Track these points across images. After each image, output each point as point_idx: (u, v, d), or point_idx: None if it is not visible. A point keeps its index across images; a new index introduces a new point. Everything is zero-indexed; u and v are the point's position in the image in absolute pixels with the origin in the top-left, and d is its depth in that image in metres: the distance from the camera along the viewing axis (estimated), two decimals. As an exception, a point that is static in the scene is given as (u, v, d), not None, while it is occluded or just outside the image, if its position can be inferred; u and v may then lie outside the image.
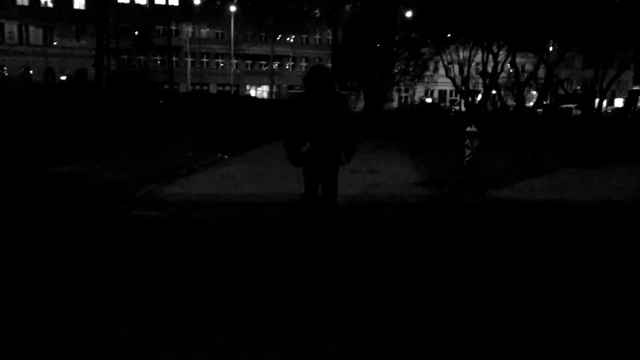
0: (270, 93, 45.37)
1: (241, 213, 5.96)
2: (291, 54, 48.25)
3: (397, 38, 35.95)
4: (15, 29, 43.32)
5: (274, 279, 3.70)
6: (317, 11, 47.94)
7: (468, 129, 8.21)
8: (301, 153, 4.34)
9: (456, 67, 27.88)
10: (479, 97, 28.62)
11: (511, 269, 4.00)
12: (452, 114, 32.41)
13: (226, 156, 10.41)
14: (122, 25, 39.62)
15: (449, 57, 27.73)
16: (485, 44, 22.59)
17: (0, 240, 4.59)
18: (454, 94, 46.82)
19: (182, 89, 41.12)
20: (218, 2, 46.06)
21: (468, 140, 8.12)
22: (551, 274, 3.90)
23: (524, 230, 5.28)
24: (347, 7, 43.04)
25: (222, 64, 47.28)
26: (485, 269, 4.00)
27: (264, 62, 47.39)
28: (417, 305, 3.26)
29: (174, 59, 41.14)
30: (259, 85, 47.64)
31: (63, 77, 41.28)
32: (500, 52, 22.92)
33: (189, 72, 42.81)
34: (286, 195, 6.60)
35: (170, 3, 39.45)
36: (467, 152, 8.17)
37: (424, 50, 31.96)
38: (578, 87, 45.90)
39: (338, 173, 4.53)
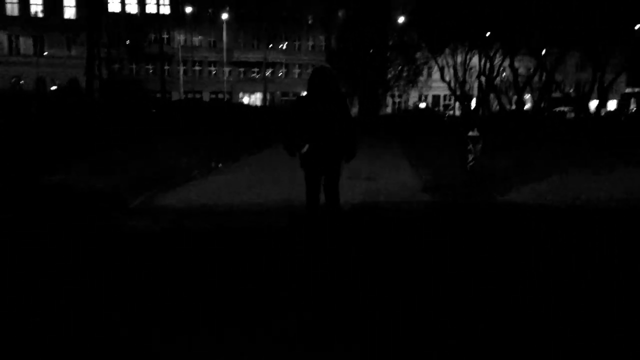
0: (263, 100, 45.19)
1: (236, 222, 5.71)
2: (284, 60, 48.15)
3: (390, 43, 36.02)
4: (5, 39, 42.96)
5: (275, 300, 3.44)
6: (309, 17, 47.93)
7: (470, 133, 8.00)
8: (299, 147, 4.34)
9: (451, 70, 27.82)
10: (473, 101, 28.59)
11: (523, 279, 3.77)
12: (446, 118, 32.40)
13: (220, 164, 10.17)
14: (114, 34, 39.37)
15: (444, 60, 27.66)
16: (481, 45, 22.51)
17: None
18: (447, 98, 46.91)
19: (175, 97, 40.91)
20: (210, 10, 45.95)
21: (471, 145, 7.91)
22: (560, 280, 3.67)
23: (533, 236, 5.05)
24: (340, 12, 43.11)
25: (214, 72, 47.10)
26: (495, 277, 3.76)
27: (257, 69, 47.25)
28: (423, 315, 3.03)
29: (167, 67, 40.92)
30: (252, 92, 47.47)
31: (54, 87, 40.92)
32: (497, 55, 22.84)
33: (181, 80, 42.59)
34: (284, 202, 6.38)
35: (162, 12, 39.23)
36: (470, 157, 7.96)
37: (418, 55, 31.99)
38: (571, 90, 46.06)
39: (340, 174, 4.55)
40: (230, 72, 46.53)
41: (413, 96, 45.70)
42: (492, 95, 26.10)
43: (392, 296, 3.39)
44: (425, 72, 37.98)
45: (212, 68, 47.13)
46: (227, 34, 43.98)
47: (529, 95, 28.47)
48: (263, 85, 43.56)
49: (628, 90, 39.13)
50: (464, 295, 3.40)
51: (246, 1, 45.47)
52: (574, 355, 2.64)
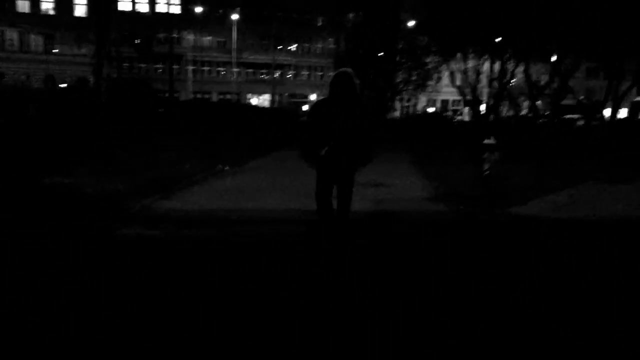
0: (271, 102, 45.03)
1: (242, 230, 5.47)
2: (293, 62, 47.97)
3: (400, 46, 35.72)
4: (15, 36, 43.08)
5: (282, 320, 3.18)
6: (319, 20, 47.75)
7: (486, 141, 7.71)
8: (317, 153, 4.32)
9: (462, 75, 27.46)
10: (482, 106, 28.21)
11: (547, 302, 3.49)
12: (454, 123, 32.04)
13: (227, 167, 9.95)
14: (123, 33, 39.34)
15: (455, 65, 27.30)
16: (494, 50, 22.13)
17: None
18: (456, 103, 46.48)
19: (183, 97, 40.81)
20: (220, 11, 45.89)
21: (487, 154, 7.61)
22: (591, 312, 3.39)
23: (554, 253, 4.77)
24: (350, 15, 42.90)
25: (223, 73, 47.01)
26: (518, 300, 3.49)
27: (265, 71, 47.11)
28: (437, 340, 2.76)
29: (176, 67, 40.84)
30: (261, 93, 47.33)
31: (63, 85, 41.01)
32: (511, 61, 22.46)
33: (190, 80, 42.50)
34: (293, 210, 6.14)
35: (172, 11, 39.26)
36: (486, 165, 7.66)
37: (429, 59, 31.64)
38: (582, 97, 45.51)
39: (354, 178, 4.50)
40: (239, 73, 46.44)
41: (422, 101, 45.38)
42: (502, 102, 25.76)
43: (409, 328, 3.13)
44: (434, 76, 37.63)
45: (221, 69, 47.05)
46: (237, 35, 43.88)
47: (539, 101, 28.05)
48: (271, 86, 43.39)
49: (638, 98, 38.63)
50: (484, 326, 3.13)
51: (256, 2, 45.42)
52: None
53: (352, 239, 4.74)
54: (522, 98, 26.92)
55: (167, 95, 32.54)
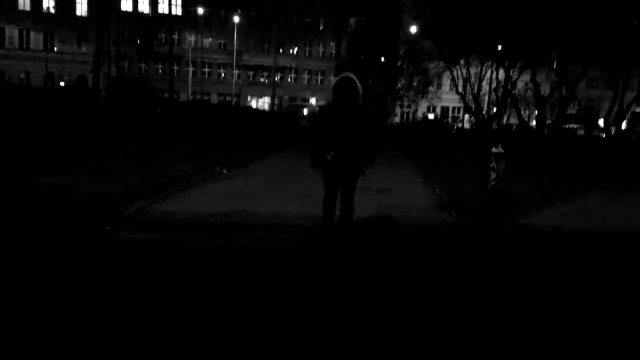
0: (271, 104, 44.85)
1: (238, 235, 5.25)
2: (294, 65, 47.87)
3: (401, 52, 35.64)
4: (15, 33, 42.88)
5: (281, 330, 2.96)
6: (321, 23, 47.68)
7: (494, 149, 7.50)
8: (324, 159, 4.46)
9: (465, 82, 27.33)
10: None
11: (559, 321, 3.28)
12: (454, 131, 31.89)
13: (225, 170, 9.72)
14: (124, 32, 39.18)
15: (458, 72, 27.18)
16: (498, 58, 21.99)
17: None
18: (457, 110, 46.40)
19: (183, 97, 40.62)
20: (222, 13, 45.80)
21: (494, 163, 7.40)
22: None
23: (564, 267, 4.56)
24: (352, 20, 42.84)
25: (223, 74, 46.88)
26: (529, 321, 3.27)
27: (266, 73, 46.99)
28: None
29: (176, 67, 40.68)
30: (261, 96, 47.18)
31: (62, 83, 40.79)
32: (515, 69, 22.32)
33: (190, 81, 42.29)
34: (292, 215, 5.91)
35: (173, 12, 39.05)
36: (492, 175, 7.44)
37: (431, 65, 31.55)
38: (586, 106, 45.51)
39: (357, 182, 4.65)
40: (239, 75, 46.29)
41: (422, 107, 45.28)
42: (505, 109, 25.61)
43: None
44: (435, 82, 37.56)
45: (221, 70, 46.92)
46: (238, 37, 43.76)
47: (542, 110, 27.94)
48: (271, 89, 43.23)
49: (638, 110, 38.63)
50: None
51: (258, 5, 45.34)
52: None
53: (354, 244, 4.75)
54: (524, 106, 26.81)
55: (166, 95, 32.33)
